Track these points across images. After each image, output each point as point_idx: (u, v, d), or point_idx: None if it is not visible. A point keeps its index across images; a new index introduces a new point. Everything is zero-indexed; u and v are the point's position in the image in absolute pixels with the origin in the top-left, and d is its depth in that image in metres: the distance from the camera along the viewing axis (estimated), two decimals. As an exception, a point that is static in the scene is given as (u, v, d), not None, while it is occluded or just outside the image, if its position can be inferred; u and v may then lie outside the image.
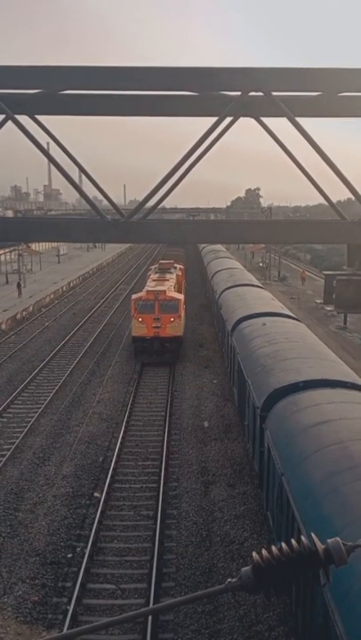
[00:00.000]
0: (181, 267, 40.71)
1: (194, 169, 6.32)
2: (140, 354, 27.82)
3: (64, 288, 52.26)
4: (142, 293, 28.43)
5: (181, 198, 66.38)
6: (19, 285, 48.56)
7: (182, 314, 28.55)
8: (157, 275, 34.53)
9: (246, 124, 6.32)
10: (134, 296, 28.62)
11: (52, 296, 47.46)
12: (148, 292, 28.02)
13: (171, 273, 35.06)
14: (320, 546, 2.21)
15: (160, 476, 16.40)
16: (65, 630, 10.00)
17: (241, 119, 6.15)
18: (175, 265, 38.87)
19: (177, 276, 35.05)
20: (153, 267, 41.72)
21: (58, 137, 6.42)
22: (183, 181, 6.38)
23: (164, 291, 27.93)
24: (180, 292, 32.75)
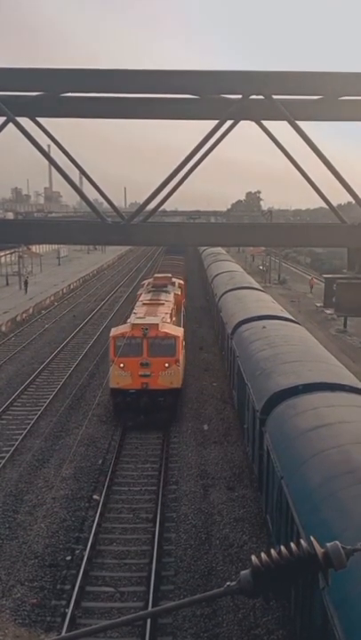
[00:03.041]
0: (181, 281, 33.70)
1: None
2: (121, 413, 20.08)
3: (64, 290, 52.30)
4: (125, 328, 20.63)
5: (182, 203, 66.42)
6: (25, 283, 49.76)
7: (181, 356, 20.61)
8: (150, 295, 26.88)
9: (247, 129, 6.33)
10: (114, 331, 20.68)
11: (52, 298, 47.52)
12: (133, 325, 20.12)
13: (167, 292, 27.68)
14: (319, 549, 2.21)
15: (159, 479, 16.39)
16: (63, 633, 9.98)
17: (241, 122, 6.16)
18: (173, 280, 31.92)
19: (175, 296, 27.74)
20: (145, 281, 33.93)
21: (59, 139, 6.43)
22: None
23: (157, 325, 20.16)
24: (178, 319, 25.75)
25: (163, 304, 24.44)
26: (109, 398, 21.08)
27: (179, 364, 20.19)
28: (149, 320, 20.72)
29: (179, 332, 21.27)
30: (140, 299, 26.59)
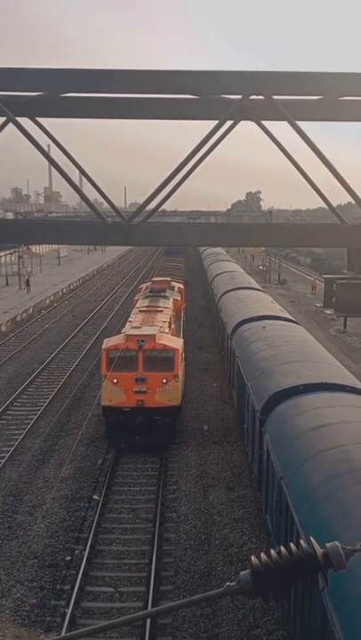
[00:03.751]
0: (180, 285, 31.88)
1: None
2: (114, 434, 18.25)
3: (64, 290, 52.33)
4: (118, 339, 18.79)
5: (182, 204, 66.39)
6: (27, 282, 50.18)
7: (180, 371, 18.87)
8: (147, 301, 25.01)
9: (247, 129, 6.33)
10: (106, 343, 18.91)
11: (51, 298, 47.54)
12: (127, 336, 18.37)
13: (166, 298, 25.89)
14: (319, 550, 2.21)
15: (159, 479, 16.39)
16: (63, 633, 9.98)
17: (241, 123, 6.16)
18: (172, 284, 30.25)
19: (174, 302, 26.01)
20: (143, 285, 32.06)
21: (59, 139, 6.42)
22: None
23: (154, 336, 18.32)
24: (177, 327, 24.13)
25: (161, 311, 22.69)
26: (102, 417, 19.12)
27: (178, 379, 18.38)
28: (146, 331, 18.90)
29: (178, 343, 19.50)
30: (137, 305, 24.82)
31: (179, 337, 22.11)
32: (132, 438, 18.01)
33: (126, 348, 17.91)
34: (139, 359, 17.93)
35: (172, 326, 22.70)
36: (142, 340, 17.95)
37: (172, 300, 25.90)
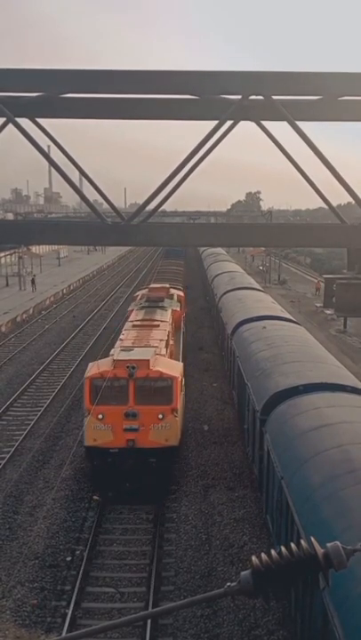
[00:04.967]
0: (180, 292, 28.82)
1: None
2: (99, 478, 15.41)
3: (64, 291, 52.35)
4: (105, 365, 15.60)
5: (181, 204, 66.43)
6: (33, 282, 51.29)
7: (179, 403, 15.72)
8: (142, 313, 22.21)
9: (247, 134, 6.34)
10: (90, 369, 15.82)
11: (51, 299, 47.55)
12: (116, 362, 15.22)
13: (163, 309, 22.86)
14: (319, 550, 2.21)
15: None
16: (64, 634, 9.98)
17: (241, 123, 6.16)
18: (171, 292, 27.28)
19: (173, 313, 22.94)
20: (139, 293, 28.56)
21: (59, 140, 6.43)
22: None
23: (147, 361, 15.21)
24: (176, 342, 21.47)
25: (157, 326, 19.72)
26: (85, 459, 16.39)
27: (176, 413, 15.29)
28: (138, 355, 15.62)
29: (177, 369, 16.25)
30: (131, 318, 21.76)
31: (178, 355, 20.08)
32: (120, 484, 15.04)
33: (114, 377, 14.91)
34: (129, 390, 14.95)
35: (171, 342, 19.95)
36: (133, 367, 14.83)
37: (170, 311, 22.87)
